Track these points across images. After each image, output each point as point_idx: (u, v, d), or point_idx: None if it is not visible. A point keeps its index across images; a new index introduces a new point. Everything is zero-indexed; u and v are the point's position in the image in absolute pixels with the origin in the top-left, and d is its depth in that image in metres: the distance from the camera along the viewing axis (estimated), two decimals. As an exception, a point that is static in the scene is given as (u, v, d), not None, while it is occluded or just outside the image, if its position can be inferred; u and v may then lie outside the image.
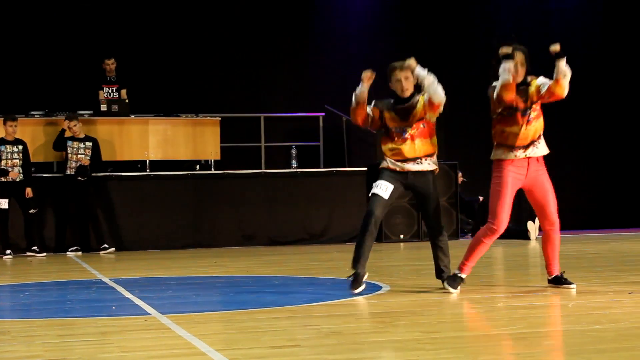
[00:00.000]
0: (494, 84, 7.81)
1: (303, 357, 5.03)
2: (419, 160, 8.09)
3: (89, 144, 14.41)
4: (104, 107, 15.21)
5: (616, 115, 18.93)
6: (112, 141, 15.03)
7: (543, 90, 7.85)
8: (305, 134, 17.33)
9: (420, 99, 8.10)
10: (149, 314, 6.91)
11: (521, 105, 7.86)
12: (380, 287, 8.47)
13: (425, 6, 18.63)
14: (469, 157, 17.27)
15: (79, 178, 14.29)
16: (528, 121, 7.90)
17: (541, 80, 7.95)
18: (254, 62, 17.71)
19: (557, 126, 18.26)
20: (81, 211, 14.43)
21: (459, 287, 7.86)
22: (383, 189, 7.98)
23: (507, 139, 7.85)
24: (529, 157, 7.87)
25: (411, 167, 8.06)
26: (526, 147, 7.86)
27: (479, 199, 16.93)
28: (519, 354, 4.96)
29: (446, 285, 7.89)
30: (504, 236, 16.01)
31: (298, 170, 16.13)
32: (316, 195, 15.94)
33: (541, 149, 7.99)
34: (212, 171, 15.73)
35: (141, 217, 15.09)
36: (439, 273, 8.17)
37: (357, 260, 7.96)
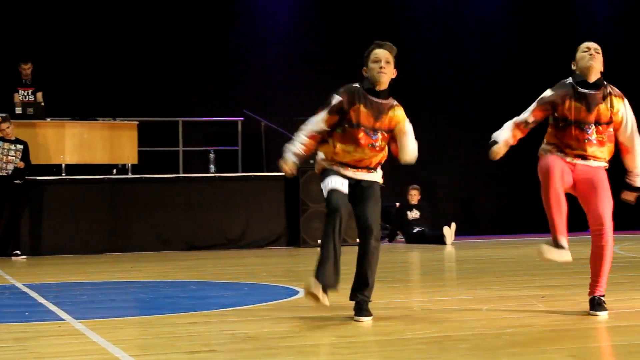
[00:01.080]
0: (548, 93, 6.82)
1: (219, 361, 5.02)
2: (373, 170, 7.02)
3: (19, 146, 14.19)
4: (19, 110, 14.98)
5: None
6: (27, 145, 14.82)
7: (622, 129, 6.66)
8: (224, 139, 17.29)
9: (397, 110, 6.83)
10: (63, 320, 6.82)
11: (582, 116, 6.61)
12: (297, 292, 8.47)
13: (344, 9, 18.67)
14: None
15: (16, 182, 14.12)
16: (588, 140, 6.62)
17: (627, 113, 6.68)
18: (173, 66, 17.61)
19: (477, 131, 18.59)
20: (14, 214, 14.26)
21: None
22: (339, 183, 6.77)
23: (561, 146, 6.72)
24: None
25: (364, 176, 6.93)
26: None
27: (395, 204, 17.05)
28: (434, 357, 4.99)
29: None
30: (420, 241, 16.27)
31: (216, 174, 16.09)
32: (234, 200, 15.91)
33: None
34: (129, 175, 15.61)
35: (57, 222, 14.90)
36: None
37: (319, 263, 6.77)
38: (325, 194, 6.80)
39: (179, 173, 16.35)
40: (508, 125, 6.82)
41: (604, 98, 6.59)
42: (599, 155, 6.58)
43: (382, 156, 6.95)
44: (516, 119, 6.81)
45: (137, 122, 15.81)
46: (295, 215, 15.99)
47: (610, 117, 6.58)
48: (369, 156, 6.83)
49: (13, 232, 14.31)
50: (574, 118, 6.58)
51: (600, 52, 6.63)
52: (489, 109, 18.95)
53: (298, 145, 7.09)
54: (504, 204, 19.15)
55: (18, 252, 14.25)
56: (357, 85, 6.87)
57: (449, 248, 15.11)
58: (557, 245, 6.61)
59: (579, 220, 7.54)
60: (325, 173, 6.96)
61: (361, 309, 6.53)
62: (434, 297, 8.06)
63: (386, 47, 6.93)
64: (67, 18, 17.20)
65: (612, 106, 6.58)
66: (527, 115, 6.77)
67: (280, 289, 8.90)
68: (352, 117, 6.73)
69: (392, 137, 6.90)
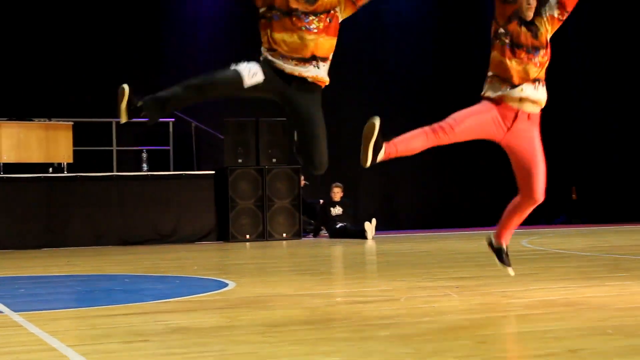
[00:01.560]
0: None
1: (152, 351, 5.02)
2: (315, 62, 6.01)
3: None
4: (-45, 111, 14.85)
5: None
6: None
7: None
8: (156, 139, 17.22)
9: None
10: (2, 312, 6.76)
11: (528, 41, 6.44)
12: (226, 284, 8.48)
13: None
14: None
15: None
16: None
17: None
18: (106, 69, 17.49)
19: (395, 131, 18.70)
20: None
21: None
22: (250, 74, 5.97)
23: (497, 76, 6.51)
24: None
25: (303, 70, 6.01)
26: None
27: (319, 201, 17.11)
28: (354, 345, 5.05)
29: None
30: (343, 236, 16.35)
31: (149, 173, 16.05)
32: (166, 197, 15.88)
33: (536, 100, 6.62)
34: (65, 174, 15.50)
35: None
36: None
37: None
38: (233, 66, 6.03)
39: (112, 172, 16.25)
40: None
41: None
42: None
43: (328, 44, 6.03)
44: None
45: (72, 123, 15.72)
46: (225, 211, 15.98)
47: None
48: (306, 42, 5.93)
49: None
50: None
51: None
52: (406, 109, 19.12)
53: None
54: (421, 201, 19.31)
55: None
56: None
57: (370, 242, 15.21)
58: None
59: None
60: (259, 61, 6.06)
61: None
62: (355, 288, 8.12)
63: None
64: (2, 20, 17.00)
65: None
66: None
67: (210, 281, 8.90)
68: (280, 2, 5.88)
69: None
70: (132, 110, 5.94)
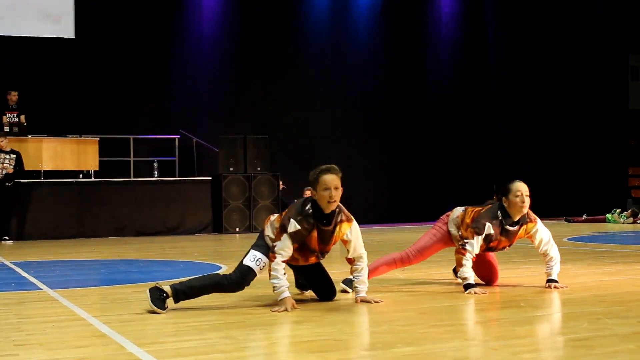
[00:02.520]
0: (487, 226, 5.99)
1: (161, 320, 5.00)
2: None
3: (13, 155, 13.94)
4: (7, 129, 14.76)
5: (408, 123, 19.41)
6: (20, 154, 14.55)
7: (538, 246, 6.14)
8: (165, 151, 17.17)
9: (345, 228, 5.51)
10: (41, 289, 6.73)
11: (502, 245, 6.16)
12: (220, 267, 8.46)
13: (263, 28, 18.65)
14: (289, 169, 17.46)
15: (7, 184, 13.82)
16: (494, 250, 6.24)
17: (540, 234, 6.11)
18: (126, 96, 17.45)
19: (349, 137, 18.77)
20: (4, 209, 13.95)
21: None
22: (260, 265, 5.48)
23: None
24: None
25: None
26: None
27: (295, 202, 17.06)
28: (321, 316, 5.04)
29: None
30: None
31: (159, 179, 16.01)
32: (172, 198, 15.84)
33: None
34: (92, 179, 15.46)
35: (37, 214, 14.66)
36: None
37: (185, 294, 5.40)
38: (247, 262, 5.50)
39: (130, 177, 16.19)
40: (468, 263, 5.94)
41: (520, 227, 6.06)
42: None
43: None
44: (469, 255, 5.94)
45: (98, 138, 15.71)
46: (219, 209, 15.96)
47: (525, 235, 6.11)
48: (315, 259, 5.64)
49: (3, 222, 14.00)
50: (498, 247, 6.12)
51: (529, 194, 5.98)
52: (364, 125, 19.16)
53: (284, 278, 5.37)
54: (375, 198, 19.26)
55: (7, 237, 13.93)
56: (308, 210, 5.43)
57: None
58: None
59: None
60: (263, 241, 5.64)
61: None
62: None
63: (333, 171, 5.44)
64: (43, 60, 16.92)
65: (527, 231, 6.07)
66: (476, 248, 5.98)
67: (207, 265, 8.88)
68: (310, 243, 5.44)
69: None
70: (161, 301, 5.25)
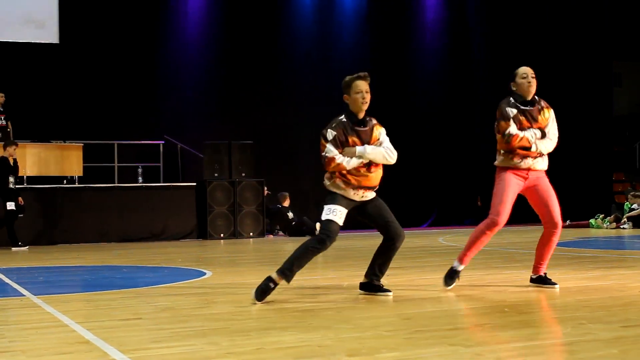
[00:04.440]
0: (508, 110, 6.41)
1: (145, 327, 4.98)
2: (374, 188, 6.15)
3: None
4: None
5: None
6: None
7: (546, 131, 6.45)
8: (149, 157, 17.13)
9: (376, 129, 6.14)
10: (24, 295, 6.69)
11: (526, 125, 6.41)
12: (204, 273, 8.44)
13: (248, 35, 18.64)
14: (274, 175, 17.47)
15: None
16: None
17: (552, 122, 6.50)
18: (111, 102, 17.40)
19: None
20: None
21: (453, 283, 6.57)
22: (340, 217, 5.95)
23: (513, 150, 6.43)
24: (530, 168, 6.48)
25: (369, 195, 6.12)
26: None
27: (277, 206, 17.08)
28: (307, 321, 5.05)
29: (443, 283, 6.57)
30: (296, 233, 16.30)
31: (143, 184, 15.95)
32: (157, 203, 15.80)
33: (542, 164, 6.55)
34: (76, 185, 15.40)
35: (19, 220, 14.48)
36: (373, 275, 6.32)
37: (290, 273, 5.99)
38: (327, 216, 5.94)
39: (114, 183, 16.14)
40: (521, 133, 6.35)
41: (539, 111, 6.43)
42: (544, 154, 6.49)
43: (380, 173, 6.12)
44: (514, 132, 6.34)
45: (82, 144, 15.66)
46: (204, 215, 15.93)
47: (544, 124, 6.45)
48: (368, 176, 6.02)
49: None
50: (522, 127, 6.38)
51: (535, 76, 6.41)
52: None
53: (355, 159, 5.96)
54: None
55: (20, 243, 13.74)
56: (343, 118, 6.07)
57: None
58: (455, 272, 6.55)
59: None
60: (334, 196, 6.02)
61: (382, 288, 6.25)
62: (307, 276, 8.10)
63: (364, 77, 6.10)
64: (27, 65, 16.86)
65: (545, 116, 6.45)
66: (515, 130, 6.34)
67: (192, 271, 8.86)
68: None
69: None
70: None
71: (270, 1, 19.04)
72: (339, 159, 5.91)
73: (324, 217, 5.97)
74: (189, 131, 17.78)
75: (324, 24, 19.54)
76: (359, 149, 5.97)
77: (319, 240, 5.91)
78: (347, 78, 6.14)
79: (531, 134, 6.38)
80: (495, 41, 20.67)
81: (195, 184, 16.22)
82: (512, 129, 6.36)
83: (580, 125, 20.56)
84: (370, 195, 6.13)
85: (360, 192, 6.05)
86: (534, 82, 6.41)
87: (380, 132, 6.13)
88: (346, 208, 6.02)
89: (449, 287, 6.49)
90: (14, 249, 13.45)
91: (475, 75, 20.66)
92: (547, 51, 20.69)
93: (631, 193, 18.15)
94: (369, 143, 6.01)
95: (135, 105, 17.61)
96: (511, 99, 6.46)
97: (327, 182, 6.10)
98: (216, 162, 16.19)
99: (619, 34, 22.16)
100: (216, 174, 16.17)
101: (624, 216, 17.53)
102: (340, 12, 19.74)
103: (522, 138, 6.36)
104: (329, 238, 5.89)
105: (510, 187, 6.42)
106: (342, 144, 5.95)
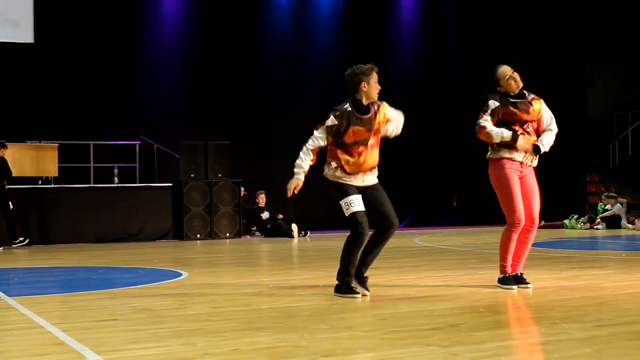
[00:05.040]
0: (491, 102, 6.55)
1: (121, 328, 4.96)
2: (373, 169, 6.34)
3: None
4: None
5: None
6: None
7: (542, 121, 6.71)
8: (125, 157, 17.03)
9: (382, 109, 6.37)
10: (-1, 297, 6.64)
11: (520, 118, 6.55)
12: (181, 274, 8.42)
13: (223, 36, 18.59)
14: (250, 175, 17.45)
15: None
16: (528, 132, 6.62)
17: (545, 110, 6.74)
18: (87, 101, 17.29)
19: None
20: None
21: (515, 285, 6.53)
22: (359, 204, 6.17)
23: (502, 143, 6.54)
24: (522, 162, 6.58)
25: (369, 180, 6.31)
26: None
27: (254, 207, 17.05)
28: (283, 321, 5.05)
29: (502, 287, 6.56)
30: (274, 235, 16.30)
31: (119, 185, 15.87)
32: (133, 203, 15.72)
33: (534, 162, 6.65)
34: (52, 185, 15.30)
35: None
36: (362, 263, 6.38)
37: (349, 270, 6.25)
38: (348, 212, 6.15)
39: (90, 183, 16.04)
40: (488, 124, 6.48)
41: (530, 103, 6.57)
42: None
43: (376, 153, 6.35)
44: (482, 122, 6.51)
45: (57, 144, 15.52)
46: (180, 215, 15.88)
47: (536, 116, 6.61)
48: (366, 157, 6.24)
49: None
50: (520, 120, 6.50)
51: (514, 69, 6.56)
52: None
53: (307, 162, 6.29)
54: (335, 205, 19.25)
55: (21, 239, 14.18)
56: (347, 107, 6.29)
57: (295, 240, 15.21)
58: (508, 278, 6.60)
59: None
60: (341, 188, 6.23)
61: (364, 282, 6.33)
62: (283, 277, 8.11)
63: (376, 69, 6.38)
64: (2, 65, 16.73)
65: (536, 108, 6.61)
66: (487, 122, 6.48)
67: (168, 272, 8.83)
68: (349, 136, 6.20)
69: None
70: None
71: (246, 2, 19.00)
72: (302, 160, 6.25)
73: (346, 213, 6.16)
74: (165, 132, 17.71)
75: (300, 25, 19.53)
76: None
77: (355, 235, 6.14)
78: (366, 67, 6.33)
79: (500, 132, 6.45)
80: (471, 42, 20.75)
81: (171, 184, 16.16)
82: (483, 120, 6.50)
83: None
84: (370, 180, 6.31)
85: (360, 176, 6.26)
86: (517, 76, 6.54)
87: (387, 110, 6.40)
88: (357, 193, 6.22)
89: (514, 287, 6.49)
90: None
91: (451, 76, 20.74)
92: (522, 53, 20.77)
93: (605, 194, 18.29)
94: (372, 129, 6.24)
95: (111, 106, 17.50)
96: (501, 95, 6.57)
97: (328, 172, 6.32)
98: (192, 163, 16.15)
99: (593, 36, 22.32)
100: (192, 175, 16.13)
101: (598, 217, 17.66)
102: (316, 13, 19.73)
103: (488, 133, 6.47)
104: (362, 229, 6.11)
105: (513, 183, 6.50)
106: (337, 135, 6.19)
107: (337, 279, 6.30)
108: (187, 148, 16.21)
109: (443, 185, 20.45)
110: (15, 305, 6.03)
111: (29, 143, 15.32)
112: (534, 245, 12.12)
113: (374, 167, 6.34)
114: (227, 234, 16.19)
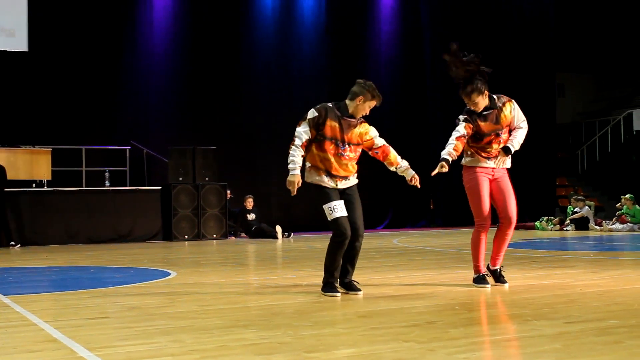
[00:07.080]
0: (460, 116, 6.66)
1: (112, 325, 4.94)
2: (350, 177, 6.31)
3: None
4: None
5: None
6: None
7: (515, 120, 6.74)
8: (116, 162, 16.96)
9: (368, 131, 6.35)
10: (-6, 296, 6.60)
11: (489, 128, 6.59)
12: (169, 274, 8.39)
13: (210, 45, 18.57)
14: (236, 179, 17.42)
15: None
16: (504, 139, 6.67)
17: (516, 110, 6.74)
18: (80, 108, 17.21)
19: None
20: None
21: (488, 284, 6.60)
22: (341, 209, 6.13)
23: (478, 152, 6.66)
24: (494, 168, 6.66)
25: (344, 185, 6.25)
26: (495, 158, 6.66)
27: (239, 209, 17.03)
28: (267, 319, 5.05)
29: (476, 285, 6.60)
30: (259, 236, 16.27)
31: (110, 188, 15.79)
32: (124, 206, 15.66)
33: (507, 162, 6.76)
34: (45, 188, 15.21)
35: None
36: (342, 275, 6.39)
37: (333, 272, 6.23)
38: (331, 217, 6.11)
39: (82, 187, 15.97)
40: (451, 144, 6.57)
41: (500, 110, 6.58)
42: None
43: (355, 167, 6.30)
44: (455, 134, 6.57)
45: (51, 149, 15.45)
46: (169, 217, 15.83)
47: (508, 121, 6.64)
48: (342, 165, 6.19)
49: None
50: (490, 131, 6.54)
51: (471, 98, 6.50)
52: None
53: (299, 157, 6.16)
54: (316, 207, 19.25)
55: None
56: (330, 104, 6.24)
57: (279, 241, 15.19)
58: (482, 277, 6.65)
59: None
60: (323, 192, 6.17)
61: (353, 287, 6.34)
62: (268, 276, 8.10)
63: (380, 100, 6.33)
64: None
65: (507, 113, 6.64)
66: (463, 131, 6.54)
67: (157, 271, 8.80)
68: (328, 130, 6.14)
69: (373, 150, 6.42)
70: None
71: (232, 12, 18.96)
72: (294, 157, 6.14)
73: (329, 218, 6.12)
74: (155, 137, 17.66)
75: (284, 35, 19.52)
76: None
77: (337, 242, 6.11)
78: (377, 93, 6.27)
79: (446, 148, 6.62)
80: (445, 51, 20.80)
81: (160, 187, 16.11)
82: (453, 136, 6.61)
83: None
84: (345, 183, 6.24)
85: (334, 180, 6.20)
86: (475, 103, 6.51)
87: (371, 131, 6.37)
88: (338, 198, 6.17)
89: (488, 286, 6.53)
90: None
91: (428, 83, 20.80)
92: (494, 62, 20.78)
93: (574, 197, 18.39)
94: (347, 135, 6.17)
95: (102, 112, 17.44)
96: (470, 111, 6.62)
97: (309, 175, 6.26)
98: (181, 167, 16.11)
99: (563, 47, 22.46)
100: (181, 178, 16.09)
101: (567, 219, 17.76)
102: (300, 22, 19.74)
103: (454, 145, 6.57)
104: (343, 235, 6.09)
105: (482, 186, 6.61)
106: (317, 127, 6.13)
107: (322, 280, 6.31)
108: (175, 153, 16.18)
109: (420, 189, 20.48)
110: (10, 303, 5.99)
111: (23, 148, 15.24)
112: (506, 245, 12.17)
113: (348, 176, 6.26)
114: (214, 235, 16.15)
